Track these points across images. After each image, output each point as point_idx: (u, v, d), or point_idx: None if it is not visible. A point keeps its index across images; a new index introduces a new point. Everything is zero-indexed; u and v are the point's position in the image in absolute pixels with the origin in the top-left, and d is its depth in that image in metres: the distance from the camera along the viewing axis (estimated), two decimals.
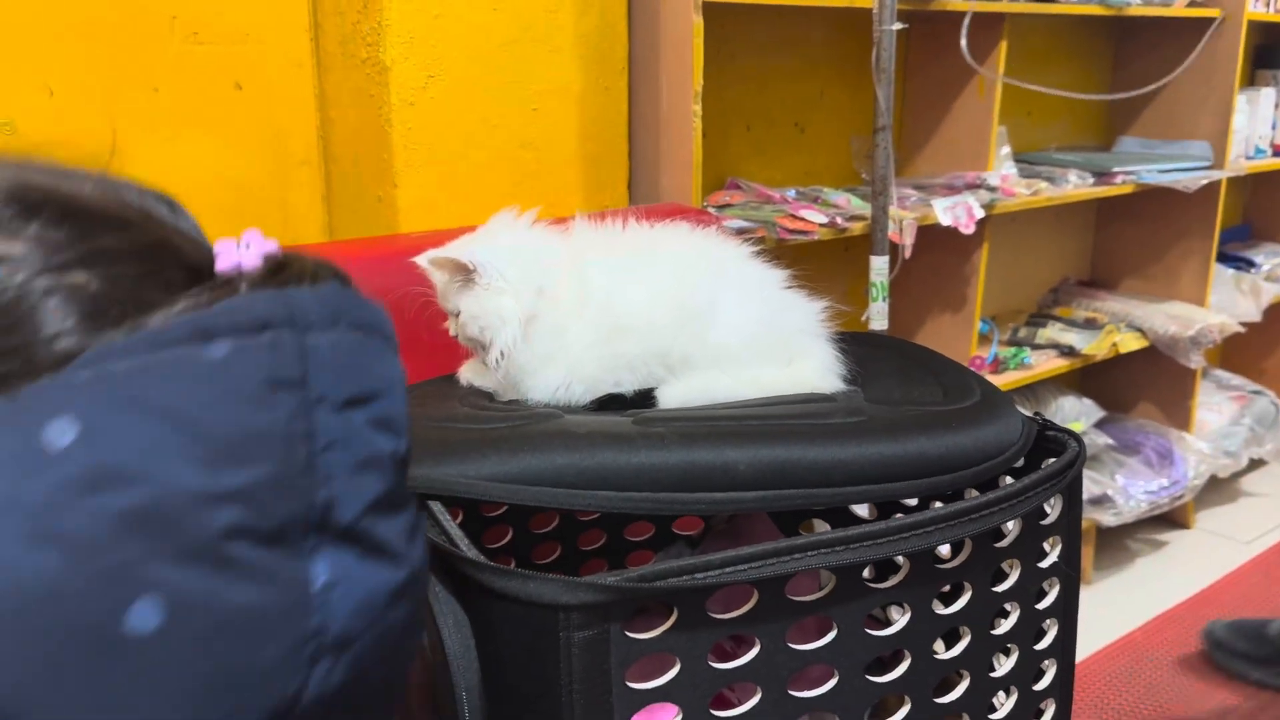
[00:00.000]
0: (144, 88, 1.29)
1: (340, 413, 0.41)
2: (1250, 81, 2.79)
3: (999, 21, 1.92)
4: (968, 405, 0.86)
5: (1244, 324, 2.47)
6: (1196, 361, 2.35)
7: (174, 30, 1.29)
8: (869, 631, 0.75)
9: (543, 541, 1.17)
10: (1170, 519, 2.56)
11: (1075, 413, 2.37)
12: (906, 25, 1.58)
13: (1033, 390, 2.36)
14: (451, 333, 0.96)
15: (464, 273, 0.91)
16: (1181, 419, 2.52)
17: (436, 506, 0.71)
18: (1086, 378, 2.62)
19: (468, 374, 0.98)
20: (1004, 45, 1.93)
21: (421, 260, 0.93)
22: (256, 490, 0.38)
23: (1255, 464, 2.79)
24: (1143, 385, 2.57)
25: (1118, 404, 2.60)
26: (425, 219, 1.32)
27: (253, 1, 1.33)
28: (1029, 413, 0.95)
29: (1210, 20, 2.30)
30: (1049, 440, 0.92)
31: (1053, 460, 0.87)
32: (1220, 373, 2.82)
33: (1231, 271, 2.68)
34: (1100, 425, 2.42)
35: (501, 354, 0.90)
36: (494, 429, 0.77)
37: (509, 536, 1.11)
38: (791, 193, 1.88)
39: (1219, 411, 2.64)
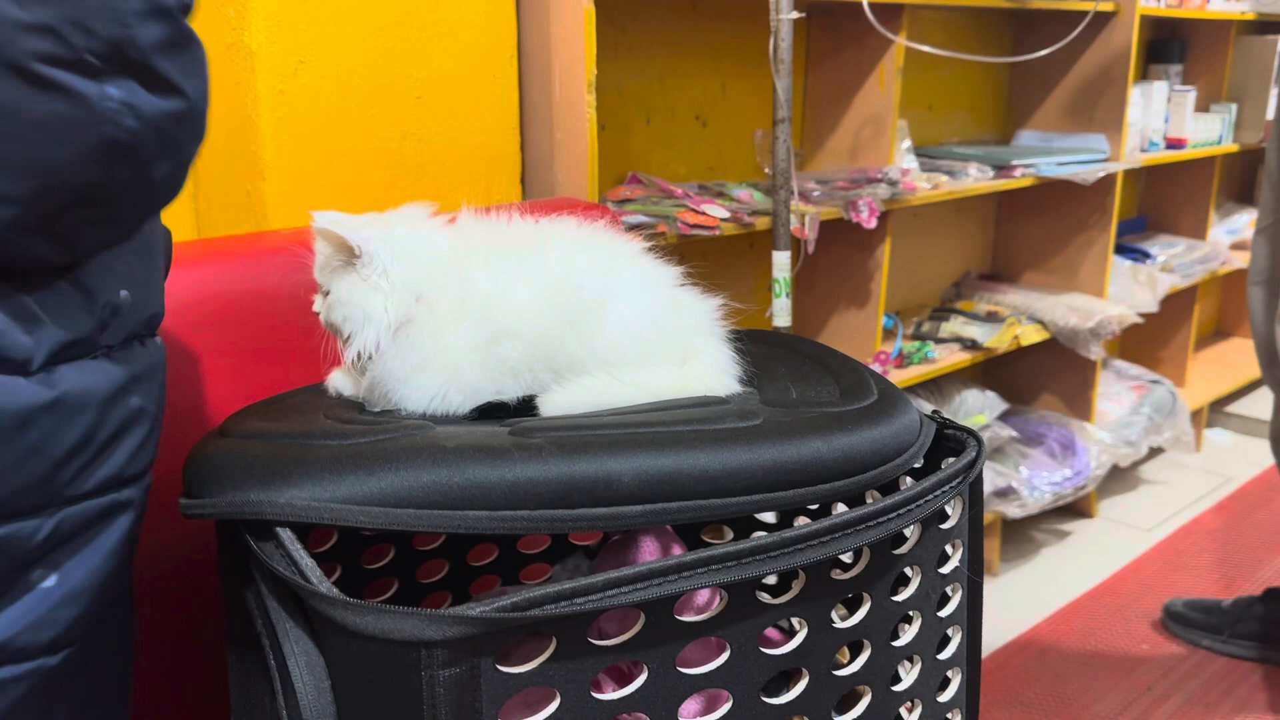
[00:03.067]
0: None
1: None
2: (1144, 75, 2.84)
3: (898, 13, 1.91)
4: (865, 405, 0.82)
5: (1142, 315, 2.51)
6: (1096, 353, 2.37)
7: None
8: (764, 650, 0.71)
9: (431, 558, 1.10)
10: (1074, 509, 2.59)
11: (979, 406, 2.38)
12: (804, 14, 1.55)
13: (937, 384, 2.36)
14: (315, 309, 0.89)
15: (349, 254, 0.84)
16: (1083, 409, 2.55)
17: (285, 534, 0.64)
18: (989, 370, 2.64)
19: (336, 382, 0.91)
20: (903, 36, 1.92)
21: (318, 221, 0.85)
22: (59, 25, 0.51)
23: (1154, 452, 2.85)
24: (1044, 377, 2.60)
25: (1020, 396, 2.62)
26: (297, 215, 1.23)
27: None
28: (928, 409, 0.92)
29: (1105, 14, 2.33)
30: (948, 439, 0.89)
31: (952, 460, 0.83)
32: (1119, 363, 2.87)
33: (1129, 263, 2.72)
34: (1004, 417, 2.44)
35: (359, 355, 0.83)
36: (353, 445, 0.70)
37: (390, 555, 1.04)
38: (694, 187, 1.84)
39: (1119, 401, 2.68)
